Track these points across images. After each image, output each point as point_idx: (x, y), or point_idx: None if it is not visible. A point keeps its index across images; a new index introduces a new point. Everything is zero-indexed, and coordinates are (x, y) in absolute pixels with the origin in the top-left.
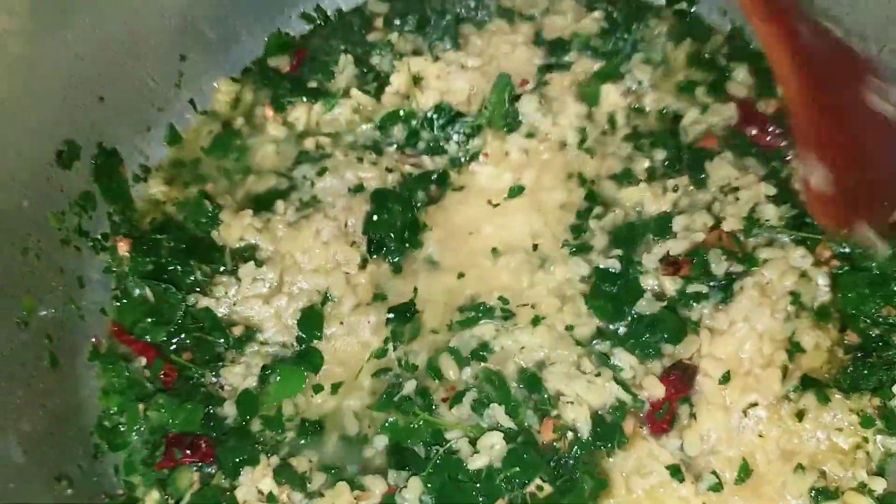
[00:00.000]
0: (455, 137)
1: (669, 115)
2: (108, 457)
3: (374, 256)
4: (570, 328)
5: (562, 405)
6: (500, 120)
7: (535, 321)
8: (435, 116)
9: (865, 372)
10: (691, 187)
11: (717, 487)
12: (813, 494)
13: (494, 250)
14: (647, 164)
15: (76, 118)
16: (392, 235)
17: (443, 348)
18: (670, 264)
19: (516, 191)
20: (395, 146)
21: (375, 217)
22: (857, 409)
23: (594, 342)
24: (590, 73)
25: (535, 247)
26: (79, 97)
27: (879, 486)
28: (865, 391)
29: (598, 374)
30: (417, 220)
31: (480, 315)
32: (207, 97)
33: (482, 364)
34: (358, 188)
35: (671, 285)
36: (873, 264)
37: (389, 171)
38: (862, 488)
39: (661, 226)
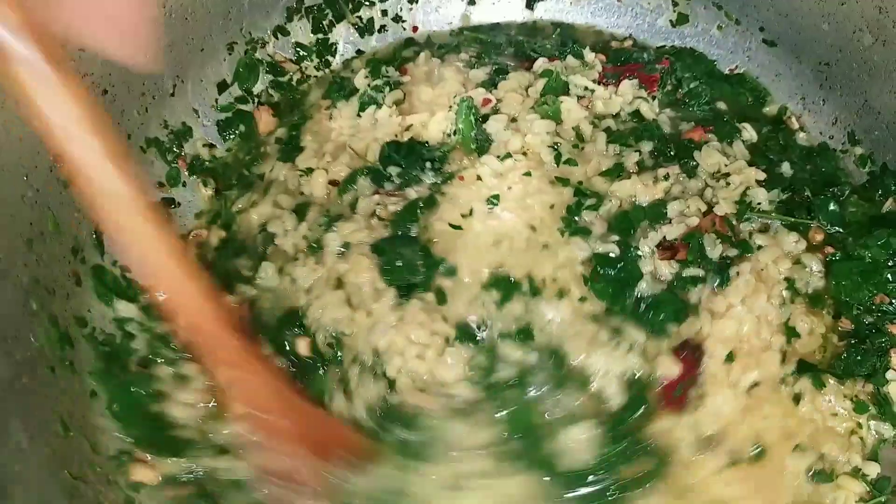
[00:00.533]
0: (429, 165)
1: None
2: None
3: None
4: (582, 300)
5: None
6: (469, 143)
7: (560, 294)
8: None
9: (859, 358)
10: (682, 175)
11: (731, 463)
12: (810, 475)
13: (497, 243)
14: (636, 157)
15: None
16: (414, 272)
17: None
18: (667, 249)
19: (495, 199)
20: (374, 193)
21: (388, 267)
22: (850, 394)
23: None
24: (533, 83)
25: (533, 228)
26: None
27: (873, 470)
28: (859, 377)
29: (618, 344)
30: (427, 248)
31: (511, 290)
32: None
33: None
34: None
35: (668, 270)
36: (867, 253)
37: (373, 216)
38: (856, 473)
39: (656, 212)
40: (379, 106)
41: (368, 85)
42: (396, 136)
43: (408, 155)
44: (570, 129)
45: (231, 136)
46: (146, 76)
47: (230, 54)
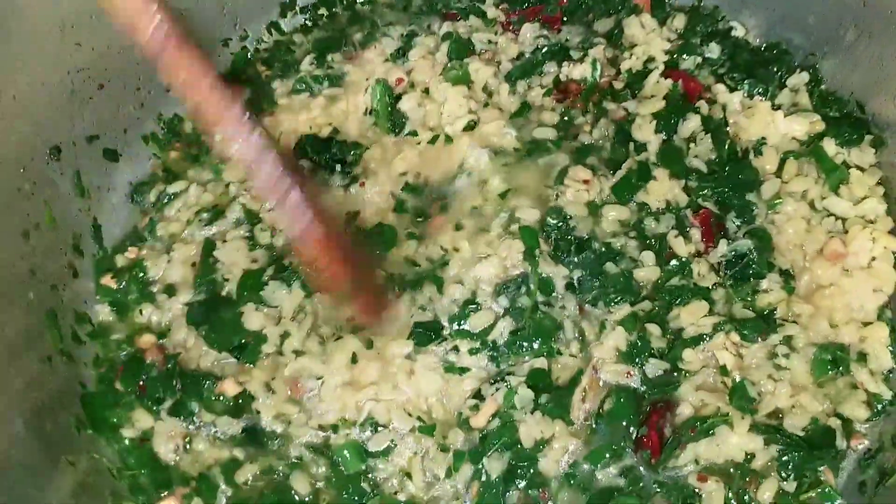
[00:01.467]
0: (338, 167)
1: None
2: None
3: None
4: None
5: None
6: (385, 123)
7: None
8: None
9: None
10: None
11: None
12: None
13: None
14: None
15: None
16: None
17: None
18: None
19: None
20: None
21: None
22: None
23: None
24: (440, 46)
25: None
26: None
27: None
28: None
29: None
30: None
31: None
32: None
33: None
34: None
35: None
36: None
37: None
38: None
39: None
40: (313, 95)
41: (310, 73)
42: (312, 128)
43: (321, 151)
44: (481, 92)
45: None
46: (141, 72)
47: (225, 49)
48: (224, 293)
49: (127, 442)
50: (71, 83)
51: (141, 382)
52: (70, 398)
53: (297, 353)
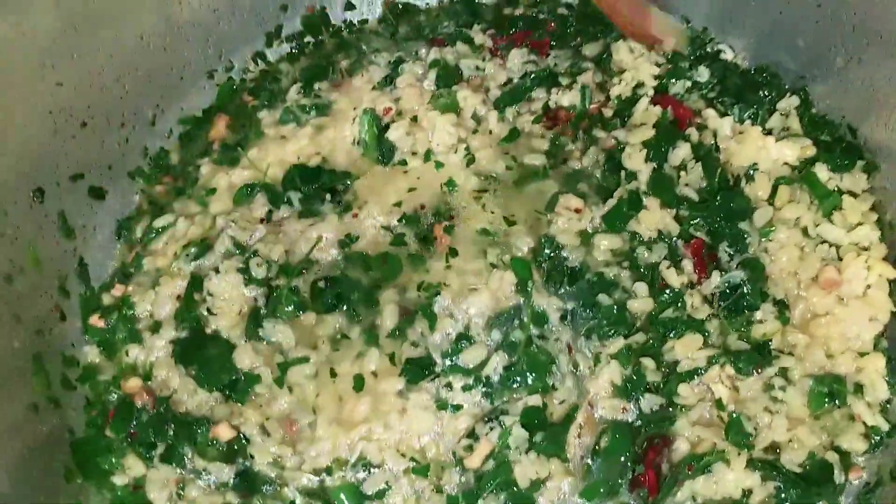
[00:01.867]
0: (328, 196)
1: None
2: None
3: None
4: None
5: None
6: (373, 153)
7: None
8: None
9: None
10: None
11: None
12: None
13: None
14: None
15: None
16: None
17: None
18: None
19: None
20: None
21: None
22: None
23: None
24: (427, 73)
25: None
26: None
27: None
28: None
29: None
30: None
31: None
32: None
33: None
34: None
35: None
36: None
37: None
38: None
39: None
40: (300, 125)
41: (297, 102)
42: (300, 158)
43: (310, 181)
44: (470, 119)
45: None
46: (125, 107)
47: (210, 81)
48: (210, 330)
49: (119, 490)
50: (53, 122)
51: (132, 428)
52: (58, 446)
53: (291, 387)
